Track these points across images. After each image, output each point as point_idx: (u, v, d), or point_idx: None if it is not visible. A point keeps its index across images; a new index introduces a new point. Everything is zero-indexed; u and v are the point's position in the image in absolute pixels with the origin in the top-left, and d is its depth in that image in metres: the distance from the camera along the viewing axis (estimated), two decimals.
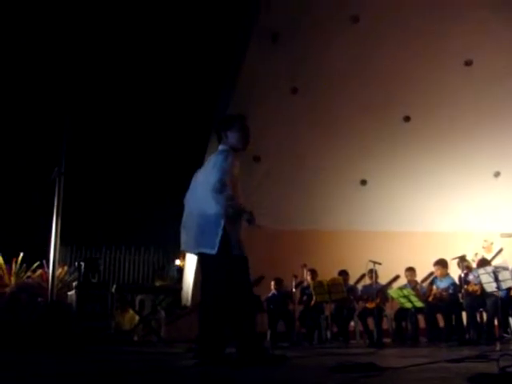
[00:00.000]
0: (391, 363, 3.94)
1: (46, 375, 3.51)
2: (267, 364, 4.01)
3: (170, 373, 3.66)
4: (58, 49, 11.59)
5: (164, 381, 3.12)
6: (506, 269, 7.81)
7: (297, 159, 10.83)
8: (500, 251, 9.60)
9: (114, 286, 9.44)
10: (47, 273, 9.60)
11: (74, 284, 8.93)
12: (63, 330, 7.29)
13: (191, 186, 4.56)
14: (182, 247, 4.53)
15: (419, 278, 9.62)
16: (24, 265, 11.02)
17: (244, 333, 4.21)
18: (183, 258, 13.58)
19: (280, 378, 3.19)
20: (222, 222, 4.16)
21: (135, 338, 9.71)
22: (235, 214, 4.20)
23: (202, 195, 4.28)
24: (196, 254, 4.46)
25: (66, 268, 11.52)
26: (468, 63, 9.85)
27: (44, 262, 10.80)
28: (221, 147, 4.51)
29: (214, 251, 4.12)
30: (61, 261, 11.35)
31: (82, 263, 9.09)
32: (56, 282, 9.18)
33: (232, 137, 4.49)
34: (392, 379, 2.94)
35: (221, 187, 4.12)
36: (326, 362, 3.93)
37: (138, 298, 10.13)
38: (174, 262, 14.78)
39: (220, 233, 4.14)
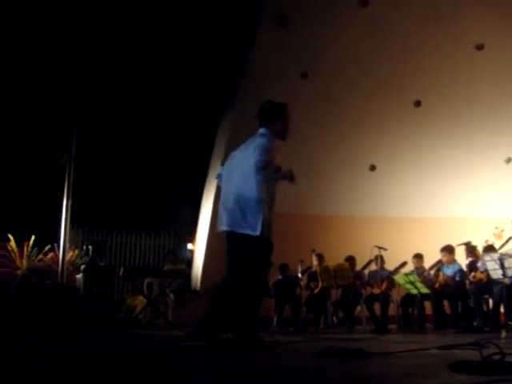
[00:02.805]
0: (382, 349, 3.94)
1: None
2: (258, 348, 4.04)
3: (155, 354, 3.69)
4: (71, 37, 11.64)
5: (147, 362, 3.15)
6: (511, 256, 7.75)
7: (306, 144, 10.79)
8: (510, 239, 9.49)
9: (122, 270, 9.52)
10: (58, 256, 9.69)
11: (82, 267, 9.01)
12: (68, 312, 7.36)
13: (228, 167, 4.66)
14: (219, 228, 4.53)
15: (428, 264, 9.57)
16: (36, 248, 11.14)
17: (245, 316, 4.27)
18: (195, 242, 13.66)
19: (260, 362, 3.21)
20: (263, 206, 4.26)
21: (142, 321, 9.80)
22: (282, 178, 4.35)
23: (242, 177, 4.37)
24: (231, 233, 4.42)
25: (76, 251, 11.62)
26: (479, 47, 9.72)
27: (55, 245, 10.91)
28: (263, 130, 4.55)
29: (256, 233, 4.21)
30: (72, 244, 11.48)
31: (90, 246, 9.17)
32: (67, 265, 9.30)
33: (280, 124, 4.57)
34: (373, 364, 2.95)
35: (266, 165, 4.21)
36: (321, 347, 3.92)
37: (146, 281, 10.21)
38: (185, 246, 14.86)
39: (261, 216, 4.22)
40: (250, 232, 4.25)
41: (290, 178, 4.43)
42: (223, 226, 4.47)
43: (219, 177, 4.77)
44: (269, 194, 4.36)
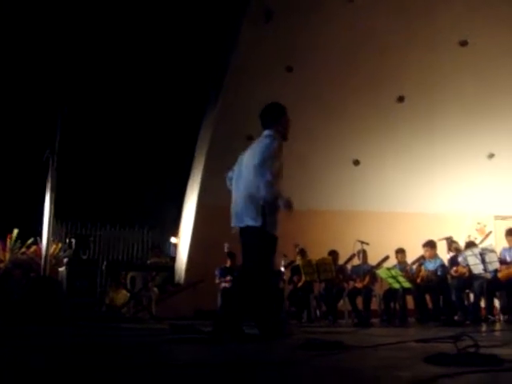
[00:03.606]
0: (362, 342, 3.98)
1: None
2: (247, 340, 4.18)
3: (138, 347, 3.70)
4: (54, 32, 11.55)
5: (130, 354, 3.16)
6: (492, 251, 7.86)
7: (290, 138, 10.80)
8: (489, 234, 9.62)
9: (105, 263, 9.50)
10: (41, 249, 9.64)
11: (65, 260, 8.99)
12: (51, 305, 7.34)
13: (237, 168, 4.84)
14: (232, 224, 4.74)
15: (410, 258, 9.64)
16: (18, 241, 11.09)
17: (262, 309, 4.49)
18: (179, 235, 13.66)
19: (242, 354, 3.24)
20: (262, 199, 4.43)
21: (126, 315, 9.79)
22: (272, 199, 4.43)
23: (248, 178, 4.57)
24: (240, 228, 4.62)
25: (60, 245, 11.58)
26: (463, 44, 9.78)
27: (38, 238, 10.86)
28: (268, 132, 4.69)
29: (257, 224, 4.39)
30: (55, 238, 11.44)
31: (73, 240, 9.16)
32: (50, 259, 9.26)
33: (283, 125, 4.74)
34: (351, 357, 2.98)
35: (262, 170, 4.39)
36: (303, 340, 3.96)
37: (129, 275, 10.21)
38: (169, 239, 14.85)
39: (261, 209, 4.40)
40: (251, 223, 4.43)
41: (286, 205, 4.51)
42: (233, 222, 4.70)
43: (230, 180, 4.95)
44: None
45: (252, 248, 4.50)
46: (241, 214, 4.56)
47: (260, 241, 4.43)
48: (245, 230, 4.54)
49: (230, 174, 4.97)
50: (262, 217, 4.39)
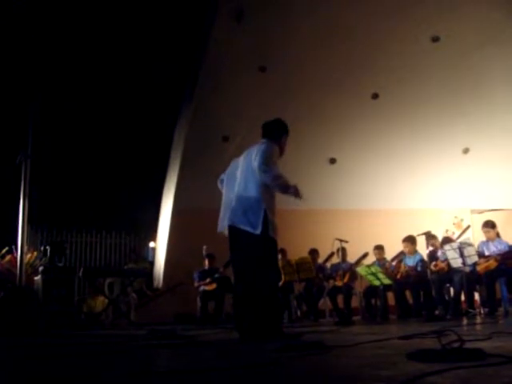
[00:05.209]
0: (343, 341, 3.92)
1: None
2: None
3: (117, 354, 3.61)
4: (24, 34, 11.36)
5: (109, 362, 3.07)
6: (470, 245, 7.89)
7: None
8: (467, 228, 9.66)
9: (82, 270, 9.35)
10: (16, 258, 9.46)
11: (40, 269, 8.83)
12: (26, 314, 7.18)
13: (229, 172, 4.98)
14: (220, 228, 4.83)
15: (389, 255, 9.64)
16: None
17: (267, 312, 4.46)
18: (156, 240, 13.52)
19: (221, 358, 3.17)
20: (263, 205, 4.49)
21: (105, 322, 9.65)
22: (282, 190, 4.63)
23: (244, 180, 4.68)
24: (232, 228, 4.64)
25: (35, 253, 11.38)
26: (435, 39, 9.78)
27: (13, 247, 10.66)
28: (265, 140, 4.87)
29: (257, 231, 4.44)
30: (31, 246, 11.25)
31: (48, 247, 9.00)
32: (26, 267, 9.08)
33: (281, 144, 4.94)
34: (332, 357, 2.92)
35: (266, 168, 4.51)
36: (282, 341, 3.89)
37: (107, 281, 10.06)
38: (147, 244, 14.72)
39: (262, 215, 4.48)
40: (250, 229, 4.47)
41: (296, 193, 4.69)
42: (225, 224, 4.73)
43: (221, 182, 5.07)
44: (270, 196, 4.65)
45: (255, 257, 4.51)
46: (235, 213, 4.60)
47: (264, 249, 4.49)
48: (240, 232, 4.56)
49: (222, 176, 5.08)
50: (263, 222, 4.44)
